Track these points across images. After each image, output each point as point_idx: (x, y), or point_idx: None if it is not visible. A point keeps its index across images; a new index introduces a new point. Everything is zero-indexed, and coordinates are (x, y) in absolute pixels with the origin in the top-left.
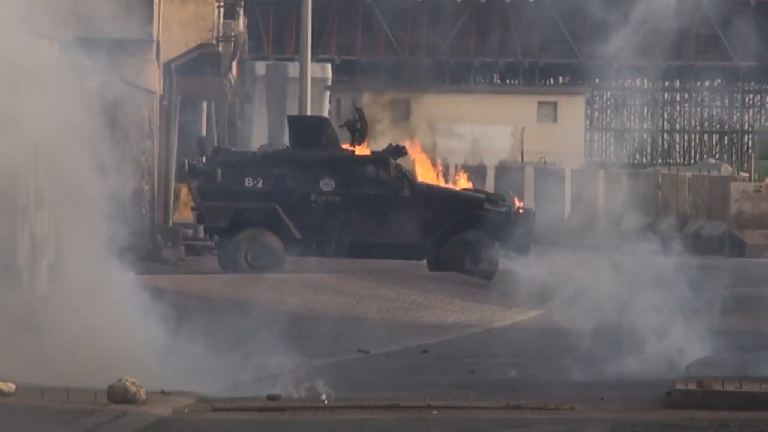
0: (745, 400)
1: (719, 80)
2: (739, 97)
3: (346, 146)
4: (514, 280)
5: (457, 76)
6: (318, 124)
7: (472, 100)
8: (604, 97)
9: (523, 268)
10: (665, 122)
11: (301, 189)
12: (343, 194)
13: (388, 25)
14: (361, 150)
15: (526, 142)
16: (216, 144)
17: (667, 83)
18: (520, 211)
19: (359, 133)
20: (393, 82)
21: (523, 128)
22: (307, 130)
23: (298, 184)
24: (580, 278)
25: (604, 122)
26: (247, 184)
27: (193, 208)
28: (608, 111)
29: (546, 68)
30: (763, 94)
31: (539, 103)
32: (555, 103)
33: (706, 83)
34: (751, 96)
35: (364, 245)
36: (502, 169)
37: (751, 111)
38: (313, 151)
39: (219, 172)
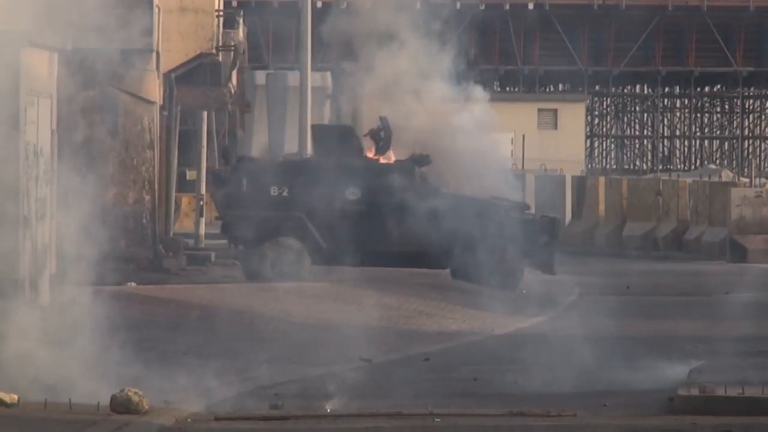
0: (748, 405)
1: (719, 86)
2: (739, 103)
3: (370, 155)
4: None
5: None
6: (342, 132)
7: (473, 108)
8: (604, 103)
9: (526, 276)
10: (665, 128)
11: (327, 198)
12: (368, 203)
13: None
14: (386, 158)
15: (526, 149)
16: (240, 153)
17: (667, 89)
18: (546, 218)
19: (383, 142)
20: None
21: (524, 135)
22: (332, 139)
23: (324, 193)
24: (581, 285)
25: (605, 129)
26: (272, 193)
27: (217, 218)
28: (608, 117)
29: (546, 75)
30: (763, 100)
31: (539, 110)
32: (555, 110)
33: (706, 89)
34: (750, 101)
35: (389, 254)
36: None
37: (751, 116)
38: (338, 160)
39: (244, 181)
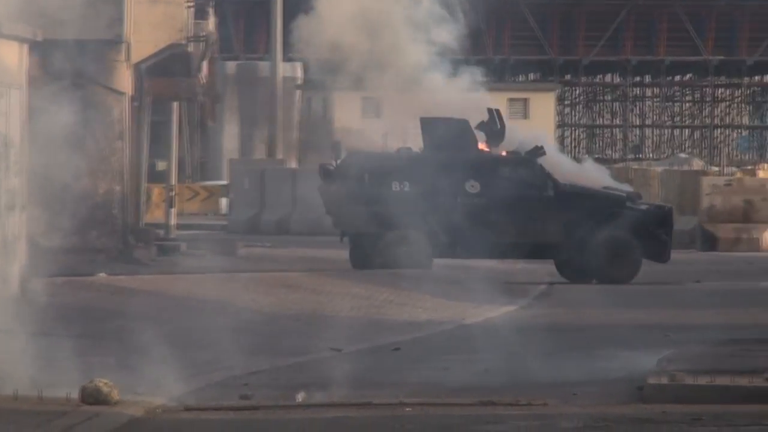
0: (718, 394)
1: (690, 75)
2: (709, 92)
3: (482, 147)
4: (485, 276)
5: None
6: (457, 126)
7: (443, 98)
8: (575, 93)
9: (494, 265)
10: (636, 117)
11: (447, 191)
12: (488, 196)
13: None
14: (497, 151)
15: None
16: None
17: (637, 78)
18: (660, 207)
19: (497, 134)
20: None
21: None
22: (446, 132)
23: (444, 187)
24: (551, 275)
25: (575, 118)
26: (394, 188)
27: (328, 213)
28: (579, 107)
29: (516, 65)
30: (733, 89)
31: (510, 99)
32: (526, 100)
33: (677, 78)
34: (721, 90)
35: (507, 246)
36: None
37: (721, 105)
38: (457, 154)
39: (362, 175)
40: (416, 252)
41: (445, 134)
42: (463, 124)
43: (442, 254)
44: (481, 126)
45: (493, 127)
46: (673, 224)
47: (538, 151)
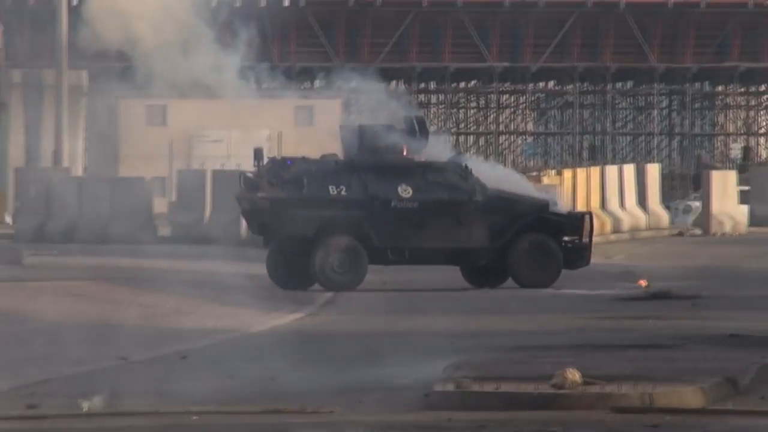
0: (504, 401)
1: (475, 81)
2: (494, 99)
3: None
4: (272, 283)
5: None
6: (384, 132)
7: (230, 105)
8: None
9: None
10: None
11: (382, 196)
12: (420, 201)
13: None
14: (418, 158)
15: (283, 145)
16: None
17: (422, 85)
18: (579, 214)
19: (419, 140)
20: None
21: (280, 132)
22: (375, 138)
23: (379, 192)
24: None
25: None
26: (328, 192)
27: (249, 220)
28: (365, 114)
29: (303, 71)
30: (518, 95)
31: (296, 107)
32: (311, 107)
33: (462, 84)
34: (505, 97)
35: (436, 251)
36: None
37: (506, 112)
38: (390, 159)
39: (305, 180)
40: (350, 259)
41: (371, 140)
42: (390, 129)
43: (378, 261)
44: (400, 134)
45: (413, 135)
46: (592, 229)
47: (459, 157)
